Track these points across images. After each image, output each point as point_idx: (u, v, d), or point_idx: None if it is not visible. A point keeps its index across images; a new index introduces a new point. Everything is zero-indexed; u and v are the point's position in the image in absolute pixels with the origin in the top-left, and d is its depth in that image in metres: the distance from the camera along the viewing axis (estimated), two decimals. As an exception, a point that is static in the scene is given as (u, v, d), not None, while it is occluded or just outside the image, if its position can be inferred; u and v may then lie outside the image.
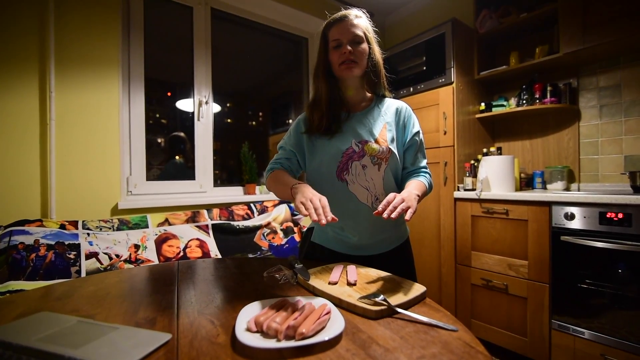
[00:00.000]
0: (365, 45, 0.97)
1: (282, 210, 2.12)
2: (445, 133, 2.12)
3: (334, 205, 1.01)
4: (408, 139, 1.04)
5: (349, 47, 0.95)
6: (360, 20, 0.98)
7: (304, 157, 1.06)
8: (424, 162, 1.06)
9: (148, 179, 1.97)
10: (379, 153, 0.97)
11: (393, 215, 0.74)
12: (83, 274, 1.39)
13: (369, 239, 1.02)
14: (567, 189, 1.99)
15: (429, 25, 2.31)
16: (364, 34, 0.97)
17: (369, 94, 1.08)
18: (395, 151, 1.00)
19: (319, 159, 1.02)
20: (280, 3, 2.46)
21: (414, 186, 0.92)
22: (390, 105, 1.06)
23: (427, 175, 1.04)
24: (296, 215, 2.18)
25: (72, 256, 1.40)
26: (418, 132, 1.06)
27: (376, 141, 0.98)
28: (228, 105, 2.48)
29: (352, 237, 1.02)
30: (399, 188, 1.04)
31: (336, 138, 0.99)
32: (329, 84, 1.00)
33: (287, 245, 1.96)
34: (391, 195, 0.79)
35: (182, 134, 2.18)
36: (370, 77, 1.02)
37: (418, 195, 0.88)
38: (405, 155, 1.05)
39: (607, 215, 1.45)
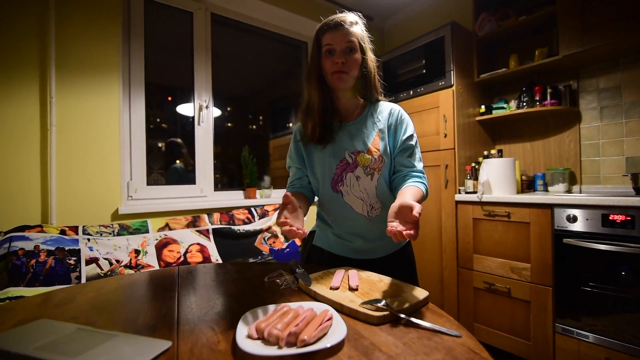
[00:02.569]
0: (358, 55, 0.94)
1: (283, 214, 2.11)
2: (445, 136, 2.12)
3: (333, 216, 1.02)
4: (399, 143, 0.99)
5: (342, 58, 0.92)
6: (356, 28, 0.94)
7: (309, 166, 1.05)
8: (419, 166, 0.99)
9: (149, 183, 1.97)
10: (371, 163, 0.96)
11: (399, 238, 0.67)
12: (83, 280, 1.38)
13: (368, 244, 1.02)
14: (569, 191, 1.98)
15: (429, 29, 2.31)
16: (358, 43, 0.94)
17: (361, 101, 1.04)
18: (387, 159, 0.98)
19: (315, 172, 1.02)
20: (280, 8, 2.47)
21: (411, 194, 0.81)
22: (384, 109, 1.03)
23: (424, 179, 0.96)
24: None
25: (72, 262, 1.40)
26: (411, 136, 1.00)
27: (368, 151, 0.96)
28: (228, 109, 2.48)
29: (353, 241, 1.02)
30: (393, 195, 0.99)
31: (330, 149, 0.98)
32: (322, 91, 0.97)
33: (288, 250, 1.95)
34: (392, 210, 0.72)
35: (179, 140, 2.18)
36: (362, 86, 0.99)
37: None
38: (397, 159, 0.99)
39: (610, 218, 1.44)
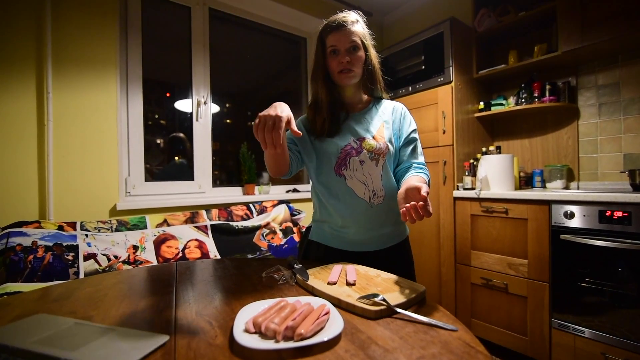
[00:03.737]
0: (362, 53, 0.99)
1: (281, 211, 2.12)
2: (444, 132, 2.12)
3: (333, 200, 1.02)
4: (404, 136, 1.06)
5: (347, 57, 0.96)
6: (357, 27, 0.99)
7: (305, 149, 1.04)
8: (421, 159, 1.06)
9: (147, 179, 1.97)
10: (376, 149, 1.00)
11: (415, 216, 0.70)
12: (81, 276, 1.38)
13: (366, 234, 1.02)
14: (567, 187, 1.99)
15: (428, 24, 2.30)
16: (361, 41, 0.99)
17: (366, 96, 1.11)
18: (392, 148, 1.03)
19: (319, 156, 1.04)
20: (279, 3, 2.45)
21: (416, 180, 0.89)
22: (387, 106, 1.10)
23: (425, 171, 1.03)
24: (295, 215, 2.17)
25: (70, 257, 1.40)
26: (414, 130, 1.08)
27: (374, 138, 1.01)
28: (227, 105, 2.47)
29: (349, 232, 1.02)
30: (397, 186, 1.04)
31: (336, 136, 1.02)
32: (328, 88, 1.02)
33: (286, 246, 1.95)
34: (400, 197, 0.76)
35: (181, 135, 2.18)
36: (366, 81, 1.04)
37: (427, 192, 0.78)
38: (401, 153, 1.06)
39: (607, 214, 1.44)
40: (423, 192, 0.72)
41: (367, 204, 1.00)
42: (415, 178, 0.93)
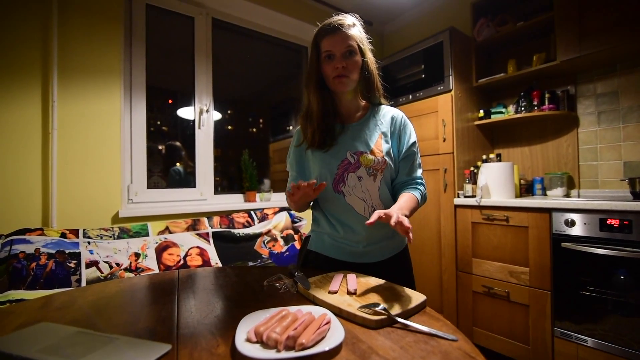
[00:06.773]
0: (358, 57, 0.95)
1: (283, 218, 2.12)
2: (444, 140, 2.13)
3: (334, 217, 1.02)
4: (404, 150, 1.02)
5: (342, 62, 0.92)
6: (354, 30, 0.94)
7: (307, 169, 1.06)
8: (419, 173, 1.03)
9: (149, 186, 1.98)
10: (374, 164, 0.96)
11: (392, 222, 0.75)
12: (83, 283, 1.39)
13: (365, 247, 1.01)
14: (567, 195, 1.99)
15: (427, 34, 2.33)
16: (358, 45, 0.94)
17: (363, 103, 1.06)
18: (391, 162, 1.00)
19: (316, 172, 1.01)
20: (280, 13, 2.49)
21: (405, 202, 0.91)
22: (386, 113, 1.05)
23: (421, 187, 1.01)
24: (296, 222, 2.18)
25: (72, 265, 1.40)
26: (414, 143, 1.03)
27: (372, 152, 0.97)
28: (229, 112, 2.50)
29: (348, 244, 1.01)
30: (394, 198, 1.02)
31: (331, 150, 0.98)
32: (321, 96, 0.98)
33: (287, 253, 1.96)
34: (380, 212, 0.78)
35: (177, 143, 2.19)
36: (364, 88, 1.01)
37: (406, 215, 0.84)
38: (400, 166, 1.03)
39: (608, 222, 1.44)
40: (392, 222, 0.75)
41: (366, 219, 0.99)
42: (404, 199, 0.93)
